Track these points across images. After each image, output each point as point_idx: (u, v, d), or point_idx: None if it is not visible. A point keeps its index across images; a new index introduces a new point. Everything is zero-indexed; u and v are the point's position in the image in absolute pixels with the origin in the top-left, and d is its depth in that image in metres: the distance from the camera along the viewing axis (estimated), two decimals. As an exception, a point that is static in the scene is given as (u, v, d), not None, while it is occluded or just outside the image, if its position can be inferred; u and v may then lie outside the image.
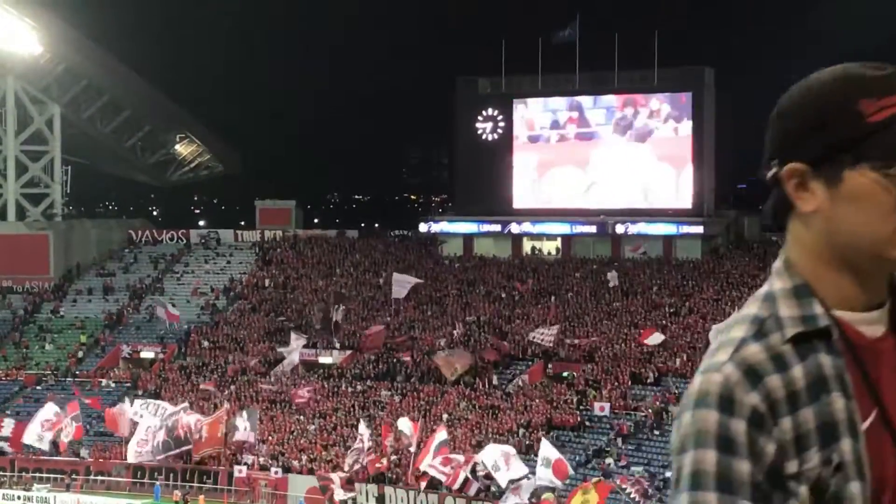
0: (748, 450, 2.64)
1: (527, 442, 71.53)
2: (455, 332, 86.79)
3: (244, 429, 75.48)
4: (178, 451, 75.65)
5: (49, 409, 79.80)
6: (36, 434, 78.91)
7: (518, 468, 64.43)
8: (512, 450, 65.69)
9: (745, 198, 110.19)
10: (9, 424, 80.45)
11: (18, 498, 75.31)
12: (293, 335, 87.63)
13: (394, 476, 70.32)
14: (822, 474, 2.67)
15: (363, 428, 71.54)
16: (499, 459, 64.69)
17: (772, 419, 2.67)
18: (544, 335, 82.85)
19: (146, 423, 76.18)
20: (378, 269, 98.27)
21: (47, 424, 79.06)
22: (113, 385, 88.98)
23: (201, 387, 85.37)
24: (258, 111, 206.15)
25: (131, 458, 76.45)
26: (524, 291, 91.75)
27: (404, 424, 71.47)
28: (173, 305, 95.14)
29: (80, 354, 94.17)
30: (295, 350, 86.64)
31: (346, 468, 71.25)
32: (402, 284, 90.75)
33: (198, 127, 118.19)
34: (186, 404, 78.25)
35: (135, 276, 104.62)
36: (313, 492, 72.70)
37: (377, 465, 70.53)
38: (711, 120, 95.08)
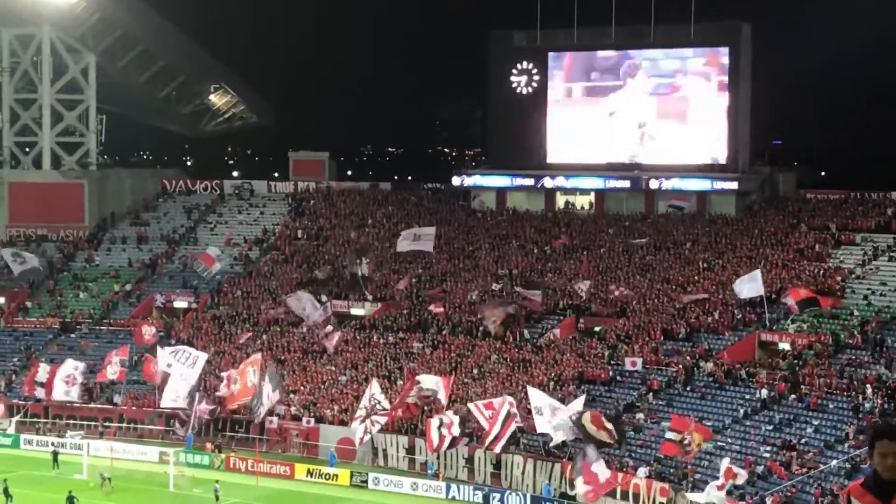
0: None
1: (559, 395, 71.68)
2: (491, 286, 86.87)
3: (267, 396, 74.56)
4: (210, 406, 75.88)
5: (69, 365, 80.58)
6: (62, 390, 79.84)
7: (562, 417, 64.78)
8: (559, 404, 65.91)
9: (781, 154, 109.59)
10: (44, 370, 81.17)
11: (52, 444, 76.03)
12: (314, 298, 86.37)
13: (424, 428, 70.54)
14: None
15: (376, 388, 71.37)
16: (544, 406, 65.14)
17: None
18: (580, 289, 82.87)
19: (178, 372, 76.40)
20: (411, 221, 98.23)
21: (69, 379, 79.86)
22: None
23: (234, 338, 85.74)
24: (293, 62, 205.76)
25: (165, 404, 76.99)
26: (557, 246, 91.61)
27: (430, 380, 71.30)
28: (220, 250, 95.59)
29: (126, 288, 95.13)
30: (314, 311, 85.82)
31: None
32: (419, 240, 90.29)
33: (232, 77, 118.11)
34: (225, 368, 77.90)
35: (168, 225, 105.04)
36: (345, 442, 73.21)
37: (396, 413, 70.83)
38: (748, 75, 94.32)
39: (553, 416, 64.78)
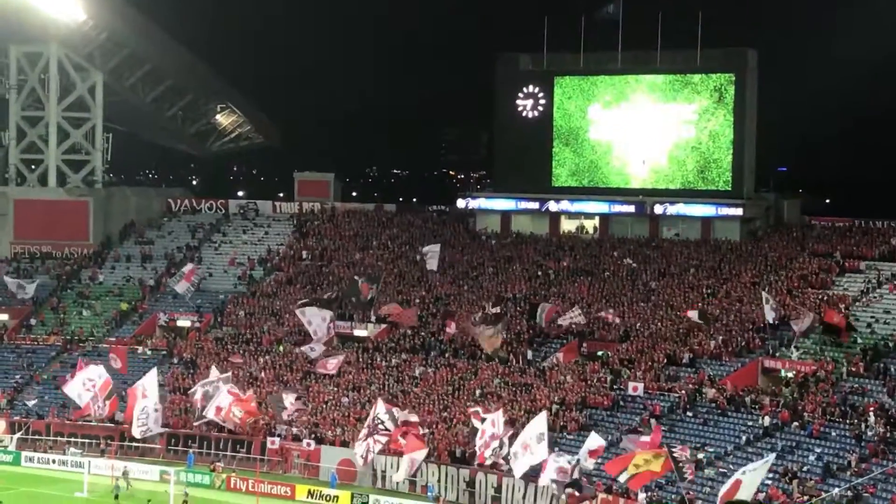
0: None
1: (560, 422, 71.68)
2: (490, 308, 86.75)
3: (289, 404, 75.68)
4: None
5: (93, 371, 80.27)
6: (76, 392, 79.73)
7: (539, 453, 64.67)
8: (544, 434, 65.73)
9: (786, 180, 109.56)
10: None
11: (53, 462, 76.04)
12: (315, 311, 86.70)
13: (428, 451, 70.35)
14: None
15: (381, 408, 71.23)
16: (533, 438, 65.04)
17: None
18: (572, 318, 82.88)
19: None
20: (415, 243, 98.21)
21: (89, 384, 79.74)
22: (149, 353, 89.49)
23: (230, 359, 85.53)
24: (300, 84, 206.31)
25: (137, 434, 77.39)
26: (560, 269, 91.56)
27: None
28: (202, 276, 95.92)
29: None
30: (321, 326, 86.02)
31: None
32: (431, 256, 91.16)
33: (239, 98, 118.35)
34: (228, 378, 78.32)
35: (173, 244, 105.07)
36: (345, 463, 73.09)
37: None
38: (754, 102, 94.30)
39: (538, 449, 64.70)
